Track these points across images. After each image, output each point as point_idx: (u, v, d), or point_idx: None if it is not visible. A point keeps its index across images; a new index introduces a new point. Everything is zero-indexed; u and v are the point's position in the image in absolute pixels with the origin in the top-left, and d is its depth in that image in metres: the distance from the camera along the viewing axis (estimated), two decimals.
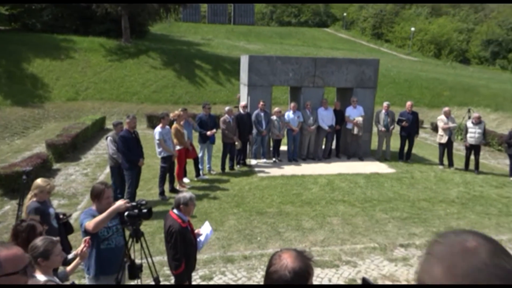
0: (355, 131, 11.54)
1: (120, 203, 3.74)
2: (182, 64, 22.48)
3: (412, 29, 57.55)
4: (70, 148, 11.77)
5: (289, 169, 10.73)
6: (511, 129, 10.66)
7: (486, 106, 20.44)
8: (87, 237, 3.48)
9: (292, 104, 11.26)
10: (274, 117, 11.02)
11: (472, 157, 11.08)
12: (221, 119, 10.22)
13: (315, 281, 5.56)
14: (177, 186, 9.12)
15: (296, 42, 52.04)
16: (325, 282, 5.55)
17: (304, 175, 10.24)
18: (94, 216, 3.80)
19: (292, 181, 9.81)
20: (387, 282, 5.55)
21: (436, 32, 59.69)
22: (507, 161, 11.16)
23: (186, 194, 4.16)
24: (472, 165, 11.14)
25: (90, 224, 3.65)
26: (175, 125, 8.98)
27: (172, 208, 4.17)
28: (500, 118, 18.91)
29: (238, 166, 10.82)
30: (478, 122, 10.88)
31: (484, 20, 65.78)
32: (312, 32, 62.61)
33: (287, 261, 1.66)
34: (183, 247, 4.07)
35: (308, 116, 11.29)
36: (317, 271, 5.81)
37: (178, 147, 8.94)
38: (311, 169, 10.79)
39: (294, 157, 11.52)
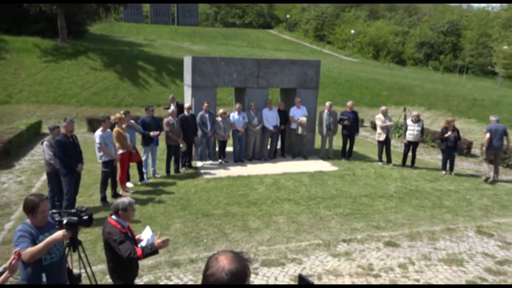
0: (299, 130, 11.78)
1: (59, 233, 3.53)
2: (124, 65, 21.83)
3: (352, 31, 59.77)
4: (3, 155, 11.05)
5: (235, 170, 10.75)
6: (443, 126, 11.34)
7: (420, 105, 21.63)
8: (17, 249, 3.26)
9: (237, 105, 11.29)
10: (219, 118, 10.99)
11: (410, 153, 11.69)
12: (165, 121, 10.04)
13: (262, 280, 5.61)
14: (120, 191, 8.84)
15: (241, 43, 52.27)
16: (271, 281, 5.61)
17: (250, 176, 10.31)
18: (31, 234, 3.52)
19: (238, 182, 9.83)
20: (331, 277, 5.71)
21: (374, 34, 62.41)
22: (440, 156, 11.88)
23: (124, 199, 4.03)
24: (409, 161, 11.75)
25: (26, 254, 3.37)
26: (116, 128, 8.69)
27: (111, 215, 4.03)
28: (433, 116, 20.08)
29: (183, 168, 10.68)
30: (417, 120, 11.49)
31: (417, 24, 69.71)
32: (257, 33, 63.20)
33: (224, 263, 1.66)
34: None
35: (253, 117, 11.38)
36: (263, 270, 5.86)
37: (120, 151, 8.67)
38: (257, 169, 10.88)
39: (240, 158, 11.56)
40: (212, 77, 11.22)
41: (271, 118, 11.55)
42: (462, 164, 12.60)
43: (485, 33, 55.79)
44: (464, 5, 75.56)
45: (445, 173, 11.15)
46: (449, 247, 6.76)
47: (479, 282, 5.69)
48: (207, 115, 10.76)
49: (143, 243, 4.14)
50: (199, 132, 10.77)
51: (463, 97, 24.01)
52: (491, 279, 5.78)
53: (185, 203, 8.32)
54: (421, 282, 5.65)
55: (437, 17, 67.56)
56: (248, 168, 11.00)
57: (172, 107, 12.02)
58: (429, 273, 5.92)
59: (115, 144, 8.47)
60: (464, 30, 62.26)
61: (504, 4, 55.18)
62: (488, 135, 10.47)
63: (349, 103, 12.21)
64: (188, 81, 11.43)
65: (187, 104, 10.83)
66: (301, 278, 1.82)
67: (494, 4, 61.92)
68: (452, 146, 10.95)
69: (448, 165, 11.24)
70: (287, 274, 5.79)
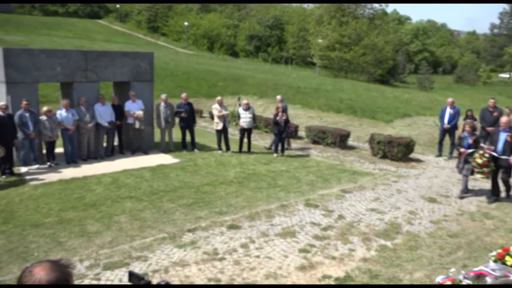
0: (137, 125, 11.41)
1: None
2: None
3: (186, 23, 60.12)
4: None
5: (68, 172, 9.87)
6: (275, 113, 12.26)
7: (253, 94, 23.08)
8: None
9: (64, 102, 10.32)
10: (43, 117, 9.89)
11: (246, 139, 12.41)
12: None
13: (105, 283, 5.31)
14: None
15: (67, 34, 47.85)
16: (116, 283, 5.36)
17: (86, 176, 9.59)
18: None
19: (72, 184, 9.05)
20: (178, 268, 5.74)
21: (207, 27, 63.97)
22: (273, 141, 12.90)
23: None
24: (245, 147, 12.47)
25: None
26: None
27: None
28: (265, 104, 21.64)
29: (3, 176, 9.33)
30: (247, 108, 12.22)
31: (246, 18, 73.83)
32: (85, 24, 58.60)
33: (40, 275, 1.50)
34: None
35: (84, 113, 10.57)
36: (106, 274, 5.56)
37: None
38: (94, 169, 10.18)
39: (72, 159, 10.63)
40: (32, 71, 10.00)
41: (104, 114, 10.89)
42: (291, 146, 13.92)
43: (304, 28, 62.27)
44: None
45: (277, 156, 12.19)
46: (284, 221, 7.45)
47: (308, 248, 6.42)
48: (27, 114, 9.56)
49: None
50: (20, 134, 9.53)
51: (289, 85, 26.45)
52: (318, 244, 6.59)
53: (7, 216, 7.30)
54: (262, 258, 6.10)
55: (263, 12, 72.72)
56: (83, 169, 10.20)
57: None
58: (268, 248, 6.43)
59: None
60: (286, 25, 68.42)
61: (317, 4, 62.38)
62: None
63: (184, 94, 12.31)
64: (1, 76, 9.96)
65: (1, 103, 9.44)
66: (131, 274, 1.77)
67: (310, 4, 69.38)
68: (283, 130, 12.00)
69: (280, 148, 12.30)
70: None
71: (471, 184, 9.50)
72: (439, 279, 4.40)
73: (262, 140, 14.92)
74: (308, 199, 8.60)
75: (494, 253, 5.08)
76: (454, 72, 68.04)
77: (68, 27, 52.50)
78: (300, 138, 15.21)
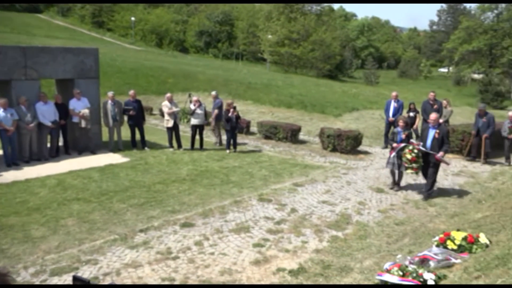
0: (83, 124, 10.98)
1: None
2: None
3: (133, 18, 58.49)
4: None
5: (9, 176, 9.32)
6: (226, 109, 12.25)
7: (204, 90, 22.85)
8: None
9: (1, 101, 9.71)
10: None
11: (198, 136, 12.29)
12: None
13: None
14: None
15: (3, 29, 45.07)
16: None
17: (29, 179, 9.11)
18: None
19: (14, 188, 8.57)
20: (130, 270, 5.60)
21: (155, 22, 62.61)
22: (225, 137, 12.86)
23: None
24: (198, 144, 12.36)
25: None
26: None
27: None
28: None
29: None
30: (199, 104, 12.11)
31: (195, 13, 72.96)
32: (23, 18, 55.48)
33: None
34: None
35: (25, 113, 10.02)
36: (54, 280, 5.33)
37: None
38: (37, 171, 9.68)
39: (13, 161, 10.05)
40: None
41: (47, 113, 10.38)
42: (243, 141, 13.96)
43: (253, 23, 62.55)
44: None
45: (229, 152, 12.18)
46: (237, 217, 7.46)
47: (263, 243, 6.48)
48: None
49: None
50: None
51: (240, 81, 26.46)
52: (272, 238, 6.66)
53: None
54: (216, 254, 6.09)
55: (212, 7, 72.20)
56: (25, 171, 9.68)
57: None
58: (222, 244, 6.43)
59: None
60: (236, 21, 68.35)
61: None
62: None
63: (131, 92, 12.00)
64: None
65: None
66: (75, 278, 1.70)
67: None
68: (235, 127, 12.01)
69: (232, 144, 12.30)
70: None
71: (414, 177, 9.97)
72: (387, 266, 4.59)
73: (214, 137, 14.84)
74: (261, 194, 8.66)
75: (436, 238, 5.38)
76: (398, 67, 71.02)
77: (4, 22, 49.45)
78: (252, 133, 15.28)
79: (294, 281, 5.40)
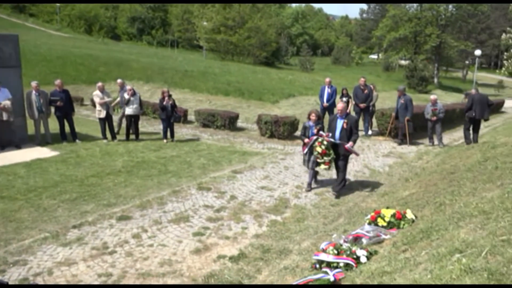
0: (4, 117, 10.20)
1: None
2: None
3: (57, 4, 54.96)
4: None
5: None
6: (161, 97, 11.94)
7: (139, 79, 22.16)
8: None
9: None
10: None
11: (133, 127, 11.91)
12: None
13: None
14: None
15: None
16: None
17: None
18: None
19: None
20: (63, 268, 5.34)
21: (83, 7, 59.30)
22: (161, 126, 12.56)
23: None
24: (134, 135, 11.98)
25: None
26: None
27: None
28: (152, 88, 20.96)
29: None
30: (133, 93, 11.72)
31: None
32: None
33: None
34: None
35: None
36: None
37: None
38: None
39: None
40: None
41: None
42: (181, 130, 13.75)
43: (188, 10, 61.23)
44: None
45: (166, 141, 11.94)
46: (176, 207, 7.37)
47: (203, 231, 6.45)
48: None
49: None
50: None
51: (175, 69, 25.92)
52: (212, 226, 6.66)
53: None
54: (155, 246, 5.98)
55: None
56: None
57: None
58: (161, 235, 6.32)
59: None
60: (170, 7, 66.53)
61: None
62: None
63: (58, 81, 11.33)
64: None
65: None
66: None
67: None
68: (170, 115, 11.76)
69: (168, 133, 12.06)
70: (9, 280, 5.06)
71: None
72: (323, 245, 4.76)
73: (150, 126, 14.48)
74: (201, 183, 8.61)
75: (368, 216, 5.65)
76: (331, 54, 73.22)
77: None
78: (190, 122, 15.09)
79: (235, 267, 5.45)
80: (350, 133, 8.04)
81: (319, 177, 9.13)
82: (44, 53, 24.43)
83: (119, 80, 13.07)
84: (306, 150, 8.22)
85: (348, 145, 7.91)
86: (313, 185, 8.68)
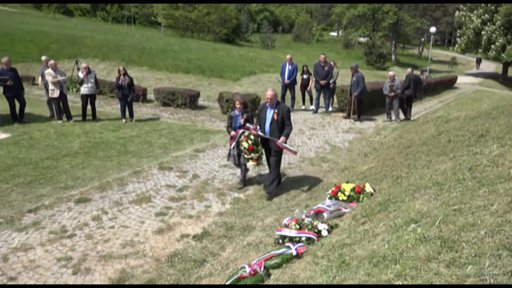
0: None
1: None
2: None
3: None
4: None
5: None
6: (117, 76, 11.55)
7: (94, 57, 21.28)
8: None
9: None
10: None
11: (89, 106, 11.48)
12: None
13: None
14: None
15: None
16: None
17: None
18: None
19: None
20: (20, 254, 5.15)
21: None
22: (119, 105, 12.23)
23: None
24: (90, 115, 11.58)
25: None
26: None
27: None
28: (108, 66, 20.20)
29: None
30: (88, 72, 11.30)
31: None
32: None
33: None
34: None
35: None
36: None
37: None
38: None
39: None
40: None
41: None
42: (140, 110, 13.42)
43: None
44: None
45: (125, 121, 11.63)
46: (138, 188, 7.24)
47: (165, 211, 6.38)
48: None
49: None
50: None
51: (133, 46, 25.05)
52: (175, 205, 6.60)
53: None
54: (116, 228, 5.87)
55: None
56: None
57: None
58: (123, 217, 6.20)
59: None
60: None
61: None
62: None
63: (5, 59, 10.71)
64: None
65: None
66: None
67: None
68: (127, 94, 11.42)
69: (127, 113, 11.73)
70: None
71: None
72: (285, 221, 4.83)
73: (108, 106, 14.03)
74: (162, 163, 8.48)
75: (329, 191, 5.78)
76: (292, 31, 73.10)
77: None
78: (150, 101, 14.75)
79: (199, 245, 5.46)
80: (282, 125, 6.86)
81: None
82: None
83: (43, 58, 12.35)
84: (233, 144, 7.05)
85: (280, 140, 6.74)
86: (240, 185, 7.49)
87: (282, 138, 6.78)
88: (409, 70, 13.78)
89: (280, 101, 7.20)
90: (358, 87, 12.43)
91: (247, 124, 6.93)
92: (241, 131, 6.88)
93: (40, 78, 12.02)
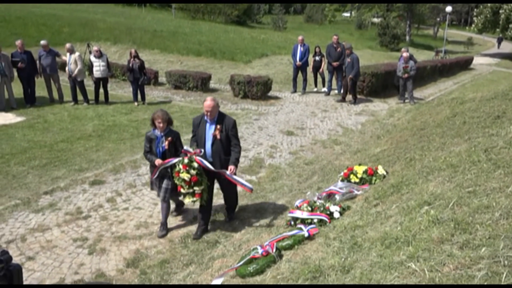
0: None
1: None
2: None
3: None
4: None
5: None
6: (129, 59, 11.57)
7: (106, 40, 21.30)
8: None
9: None
10: None
11: (102, 90, 11.55)
12: None
13: None
14: None
15: None
16: None
17: None
18: None
19: None
20: (37, 234, 5.28)
21: None
22: (131, 89, 12.27)
23: None
24: (102, 97, 11.64)
25: None
26: None
27: None
28: (120, 50, 20.21)
29: None
30: (99, 55, 11.31)
31: None
32: None
33: None
34: None
35: None
36: None
37: None
38: None
39: None
40: None
41: None
42: (152, 93, 13.44)
43: None
44: None
45: (137, 104, 11.68)
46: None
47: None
48: None
49: None
50: None
51: (144, 29, 24.98)
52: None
53: None
54: (130, 209, 5.96)
55: None
56: None
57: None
58: (136, 198, 6.29)
59: None
60: None
61: None
62: None
63: (18, 42, 10.79)
64: None
65: None
66: None
67: None
68: (138, 77, 11.42)
69: (139, 96, 11.77)
70: None
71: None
72: (297, 203, 4.84)
73: (120, 89, 14.09)
74: None
75: (341, 173, 5.77)
76: (304, 12, 72.05)
77: None
78: (161, 84, 14.76)
79: (211, 227, 5.51)
80: (228, 145, 5.19)
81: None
82: (2, 13, 23.02)
83: (42, 42, 12.01)
84: (156, 174, 5.23)
85: (229, 172, 5.07)
86: (174, 212, 5.92)
87: (232, 168, 5.09)
88: (403, 50, 13.23)
89: (223, 113, 5.35)
90: (353, 69, 12.07)
91: (185, 148, 5.07)
92: (176, 159, 5.00)
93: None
